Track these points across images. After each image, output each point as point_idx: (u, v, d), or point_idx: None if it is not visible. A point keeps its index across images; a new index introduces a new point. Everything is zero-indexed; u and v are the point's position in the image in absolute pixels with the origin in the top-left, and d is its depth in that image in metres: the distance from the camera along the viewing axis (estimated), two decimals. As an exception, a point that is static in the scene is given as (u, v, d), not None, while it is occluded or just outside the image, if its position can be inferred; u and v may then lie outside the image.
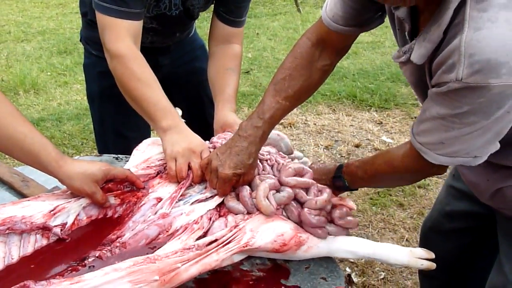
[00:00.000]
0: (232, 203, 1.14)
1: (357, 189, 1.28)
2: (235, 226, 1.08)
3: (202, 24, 4.52)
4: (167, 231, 1.07)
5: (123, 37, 1.37)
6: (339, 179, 1.22)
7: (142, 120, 1.72)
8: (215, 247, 1.02)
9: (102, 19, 1.38)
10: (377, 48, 4.73)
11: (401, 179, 1.20)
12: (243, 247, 1.04)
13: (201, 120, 1.92)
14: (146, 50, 1.71)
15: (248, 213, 1.12)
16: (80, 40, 1.86)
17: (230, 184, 1.15)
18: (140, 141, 1.42)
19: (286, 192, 1.13)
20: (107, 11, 1.37)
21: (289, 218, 1.13)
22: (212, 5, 1.64)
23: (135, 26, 1.39)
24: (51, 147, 1.10)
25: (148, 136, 1.81)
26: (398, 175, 1.14)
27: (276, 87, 1.19)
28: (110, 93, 1.59)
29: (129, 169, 1.21)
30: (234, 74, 1.59)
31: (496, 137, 0.93)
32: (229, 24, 1.61)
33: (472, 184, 1.22)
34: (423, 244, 1.52)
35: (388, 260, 1.10)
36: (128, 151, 1.41)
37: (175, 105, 1.66)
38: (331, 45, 1.20)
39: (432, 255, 1.11)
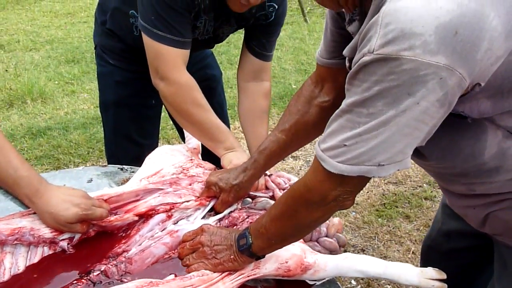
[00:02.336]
0: None
1: (262, 256, 1.05)
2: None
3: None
4: (174, 253, 1.07)
5: (179, 65, 1.43)
6: (243, 236, 1.03)
7: (154, 128, 1.75)
8: (220, 276, 1.02)
9: (154, 45, 1.41)
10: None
11: (295, 210, 0.96)
12: (247, 276, 1.04)
13: None
14: None
15: None
16: (95, 48, 1.86)
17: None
18: (153, 149, 1.43)
19: None
20: (161, 39, 1.39)
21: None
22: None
23: (186, 54, 1.45)
24: (25, 182, 1.09)
25: (158, 144, 1.82)
26: (294, 202, 0.96)
27: (277, 123, 1.24)
28: (127, 102, 1.61)
29: (107, 213, 1.15)
30: (266, 118, 1.68)
31: (403, 139, 0.80)
32: (260, 57, 1.64)
33: (461, 213, 1.16)
34: (424, 262, 1.49)
35: (398, 280, 1.09)
36: (140, 158, 1.42)
37: None
38: (328, 81, 1.19)
39: (444, 276, 1.09)
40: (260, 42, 1.62)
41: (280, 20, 1.61)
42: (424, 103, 0.75)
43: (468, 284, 1.41)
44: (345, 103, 0.82)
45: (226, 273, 1.03)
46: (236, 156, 1.39)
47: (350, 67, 0.89)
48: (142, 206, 1.19)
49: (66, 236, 1.10)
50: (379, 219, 2.62)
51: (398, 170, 0.83)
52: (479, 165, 0.93)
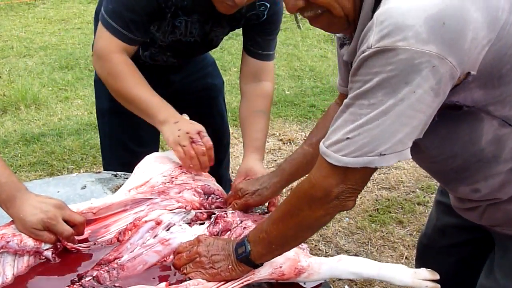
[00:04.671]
0: None
1: (261, 264, 1.05)
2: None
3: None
4: (165, 261, 1.07)
5: (119, 51, 1.43)
6: (242, 245, 1.04)
7: (151, 135, 1.74)
8: (214, 285, 1.02)
9: (103, 31, 1.43)
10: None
11: (298, 208, 0.97)
12: (242, 283, 1.04)
13: (211, 137, 1.94)
14: (157, 67, 1.75)
15: None
16: (93, 56, 1.88)
17: None
18: None
19: None
20: (112, 29, 1.42)
21: None
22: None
23: (131, 48, 1.46)
24: (3, 188, 1.09)
25: (154, 150, 1.82)
26: (298, 201, 0.97)
27: (306, 138, 1.32)
28: (123, 109, 1.62)
29: (70, 233, 1.12)
30: (263, 117, 1.60)
31: (403, 129, 0.85)
32: (256, 57, 1.62)
33: (460, 210, 1.19)
34: (420, 261, 1.51)
35: (392, 281, 1.10)
36: (134, 165, 1.42)
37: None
38: None
39: (437, 276, 1.10)
40: (255, 42, 1.61)
41: (274, 18, 1.59)
42: (419, 91, 0.82)
43: (464, 279, 1.42)
44: (348, 98, 0.88)
45: (221, 283, 1.03)
46: (176, 128, 1.35)
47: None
48: (130, 217, 1.20)
49: (49, 245, 1.10)
50: (372, 225, 2.64)
51: (399, 160, 0.88)
52: (478, 152, 0.98)
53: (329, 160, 0.89)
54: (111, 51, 1.43)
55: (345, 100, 0.89)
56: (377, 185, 2.97)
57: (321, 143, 0.92)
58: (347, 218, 2.72)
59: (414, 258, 1.80)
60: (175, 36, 1.54)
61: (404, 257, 2.39)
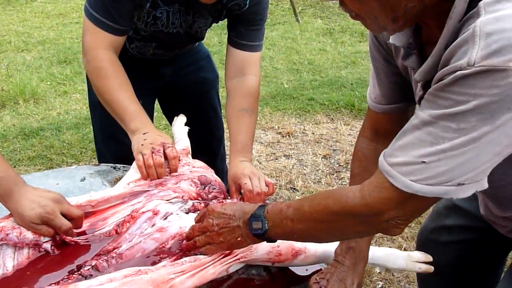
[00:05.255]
0: None
1: (275, 241, 1.02)
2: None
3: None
4: (164, 246, 1.08)
5: (105, 47, 1.44)
6: (258, 220, 0.97)
7: None
8: (211, 261, 1.03)
9: (88, 25, 1.44)
10: (375, 57, 4.76)
11: (340, 218, 0.89)
12: (238, 259, 1.05)
13: (204, 130, 1.94)
14: (147, 61, 1.74)
15: None
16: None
17: None
18: None
19: None
20: (96, 21, 1.43)
21: None
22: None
23: (118, 41, 1.47)
24: (0, 182, 1.09)
25: None
26: (342, 211, 0.88)
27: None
28: None
29: (68, 227, 1.12)
30: (248, 116, 1.53)
31: (492, 158, 0.75)
32: (241, 48, 1.57)
33: (490, 221, 1.13)
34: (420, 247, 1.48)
35: (386, 264, 1.10)
36: (128, 159, 1.43)
37: (178, 114, 1.68)
38: (387, 132, 1.10)
39: (430, 258, 1.11)
40: (239, 32, 1.56)
41: (257, 8, 1.54)
42: None
43: (465, 273, 1.41)
44: (426, 114, 0.76)
45: (218, 258, 1.04)
46: (143, 139, 1.35)
47: (423, 92, 0.85)
48: (128, 209, 1.21)
49: (48, 238, 1.11)
50: (371, 217, 2.64)
51: (476, 191, 0.77)
52: None
53: (395, 183, 0.79)
54: (98, 46, 1.43)
55: (423, 116, 0.77)
56: (376, 178, 2.98)
57: (382, 159, 0.82)
58: (345, 211, 2.73)
59: (412, 249, 1.82)
60: (157, 26, 1.53)
61: (403, 249, 2.40)
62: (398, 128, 0.92)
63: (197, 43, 1.88)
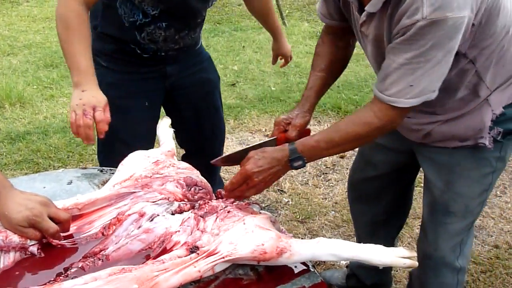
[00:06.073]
0: None
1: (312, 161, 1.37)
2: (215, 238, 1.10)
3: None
4: (150, 248, 1.09)
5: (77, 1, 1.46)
6: (298, 159, 1.30)
7: (149, 131, 1.74)
8: (195, 258, 1.04)
9: None
10: (362, 60, 4.78)
11: (368, 136, 1.31)
12: (223, 258, 1.06)
13: (206, 131, 1.97)
14: (155, 59, 1.76)
15: None
16: None
17: None
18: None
19: None
20: None
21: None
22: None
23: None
24: None
25: (152, 146, 1.82)
26: (369, 132, 1.29)
27: (312, 68, 1.55)
28: (119, 103, 1.62)
29: (55, 230, 1.13)
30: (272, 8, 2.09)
31: (445, 72, 1.20)
32: None
33: (406, 131, 1.52)
34: (351, 190, 1.90)
35: (371, 261, 1.11)
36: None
37: (181, 114, 1.70)
38: (339, 32, 1.52)
39: (414, 254, 1.13)
40: None
41: None
42: (456, 41, 1.16)
43: (387, 195, 1.81)
44: (402, 58, 1.17)
45: (200, 256, 1.05)
46: (80, 96, 1.40)
47: (365, 19, 1.26)
48: (114, 212, 1.21)
49: (34, 241, 1.11)
50: (357, 218, 2.66)
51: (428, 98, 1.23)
52: (445, 81, 1.24)
53: (399, 105, 1.22)
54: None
55: (399, 60, 1.17)
56: (362, 179, 3.00)
57: (380, 95, 1.23)
58: (333, 212, 2.75)
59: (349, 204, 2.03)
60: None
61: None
62: (343, 32, 1.51)
63: (199, 44, 1.93)
